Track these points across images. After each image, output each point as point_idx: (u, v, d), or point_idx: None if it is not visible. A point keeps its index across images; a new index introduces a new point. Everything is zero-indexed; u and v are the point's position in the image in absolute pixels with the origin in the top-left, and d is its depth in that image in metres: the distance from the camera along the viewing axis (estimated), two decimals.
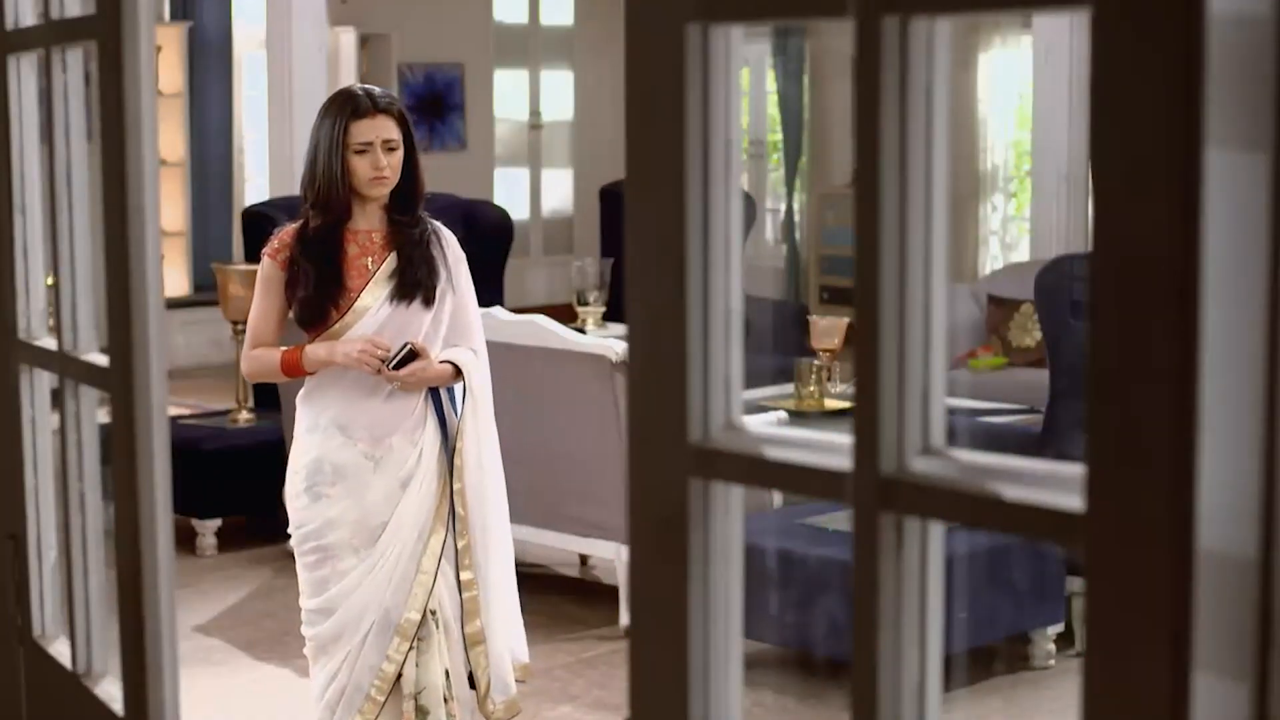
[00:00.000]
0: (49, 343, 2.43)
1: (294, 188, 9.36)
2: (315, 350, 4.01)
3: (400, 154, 4.04)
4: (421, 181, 4.13)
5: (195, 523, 7.14)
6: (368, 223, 4.08)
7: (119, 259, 2.02)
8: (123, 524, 2.07)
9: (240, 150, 12.71)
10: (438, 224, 4.17)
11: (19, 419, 2.51)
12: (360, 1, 12.81)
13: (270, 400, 7.52)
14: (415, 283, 4.05)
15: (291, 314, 4.09)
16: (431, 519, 4.04)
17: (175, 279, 11.92)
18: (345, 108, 4.04)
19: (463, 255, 4.18)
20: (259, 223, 7.93)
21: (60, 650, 2.47)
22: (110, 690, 2.28)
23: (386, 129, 4.01)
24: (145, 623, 2.04)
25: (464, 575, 4.07)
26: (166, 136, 11.60)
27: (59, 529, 2.48)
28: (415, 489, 4.03)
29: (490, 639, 4.11)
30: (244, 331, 7.44)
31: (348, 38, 12.68)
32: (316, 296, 4.03)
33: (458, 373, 4.07)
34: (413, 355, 3.97)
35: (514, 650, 4.22)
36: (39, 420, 2.52)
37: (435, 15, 13.47)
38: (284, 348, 4.07)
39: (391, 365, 3.95)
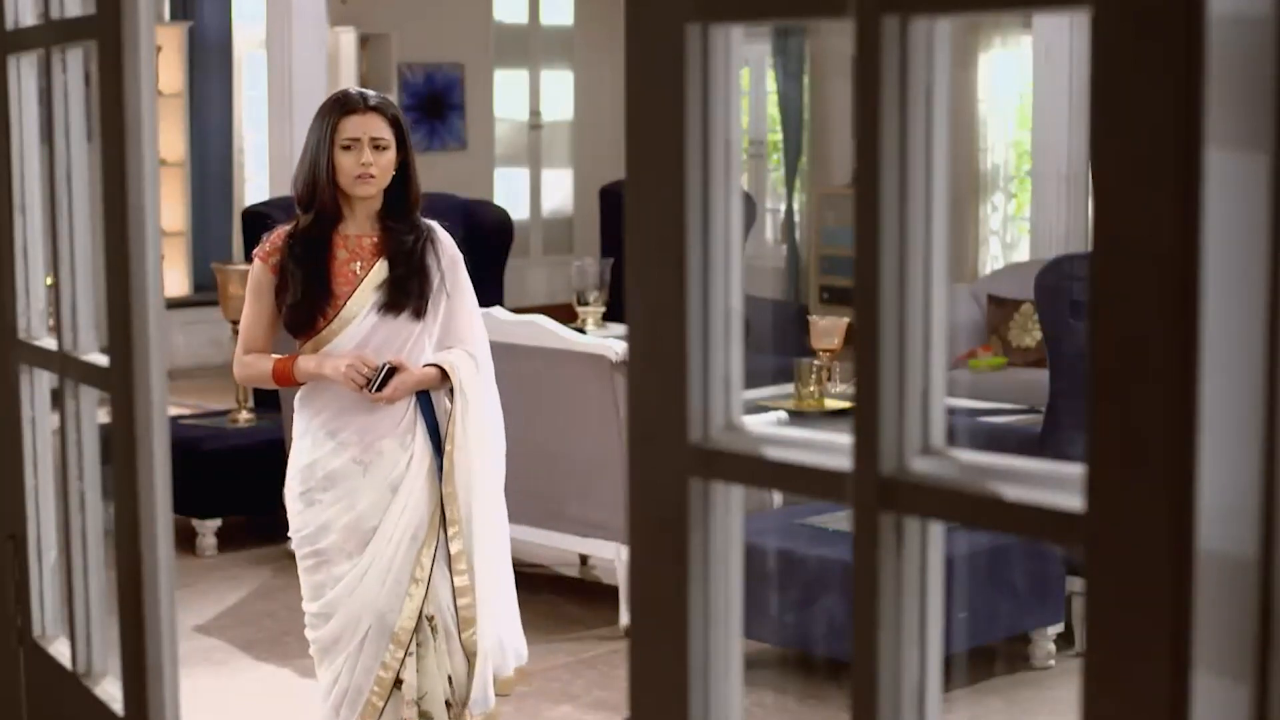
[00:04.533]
0: (49, 343, 2.43)
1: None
2: (305, 363, 3.98)
3: (390, 155, 3.99)
4: (416, 187, 4.07)
5: (195, 523, 7.14)
6: (358, 227, 4.03)
7: (119, 259, 2.02)
8: (123, 524, 2.07)
9: (240, 150, 12.71)
10: (433, 224, 4.11)
11: (19, 419, 2.51)
12: (360, 1, 12.81)
13: (270, 400, 7.52)
14: (404, 295, 4.00)
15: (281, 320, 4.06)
16: (425, 525, 4.00)
17: (175, 279, 11.92)
18: (337, 105, 4.02)
19: (459, 256, 4.11)
20: (259, 223, 7.92)
21: (60, 650, 2.47)
22: (110, 690, 2.28)
23: (375, 127, 3.97)
24: (145, 623, 2.04)
25: (458, 581, 4.02)
26: (166, 136, 11.60)
27: (59, 529, 2.48)
28: (404, 494, 4.00)
29: (479, 649, 4.06)
30: None
31: (348, 38, 12.68)
32: (304, 303, 3.98)
33: (446, 375, 4.02)
34: (393, 372, 3.94)
35: (516, 651, 4.18)
36: (39, 420, 2.52)
37: (435, 15, 13.47)
38: (276, 356, 4.04)
39: (374, 386, 3.92)
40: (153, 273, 1.99)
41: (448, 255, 4.08)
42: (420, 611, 3.98)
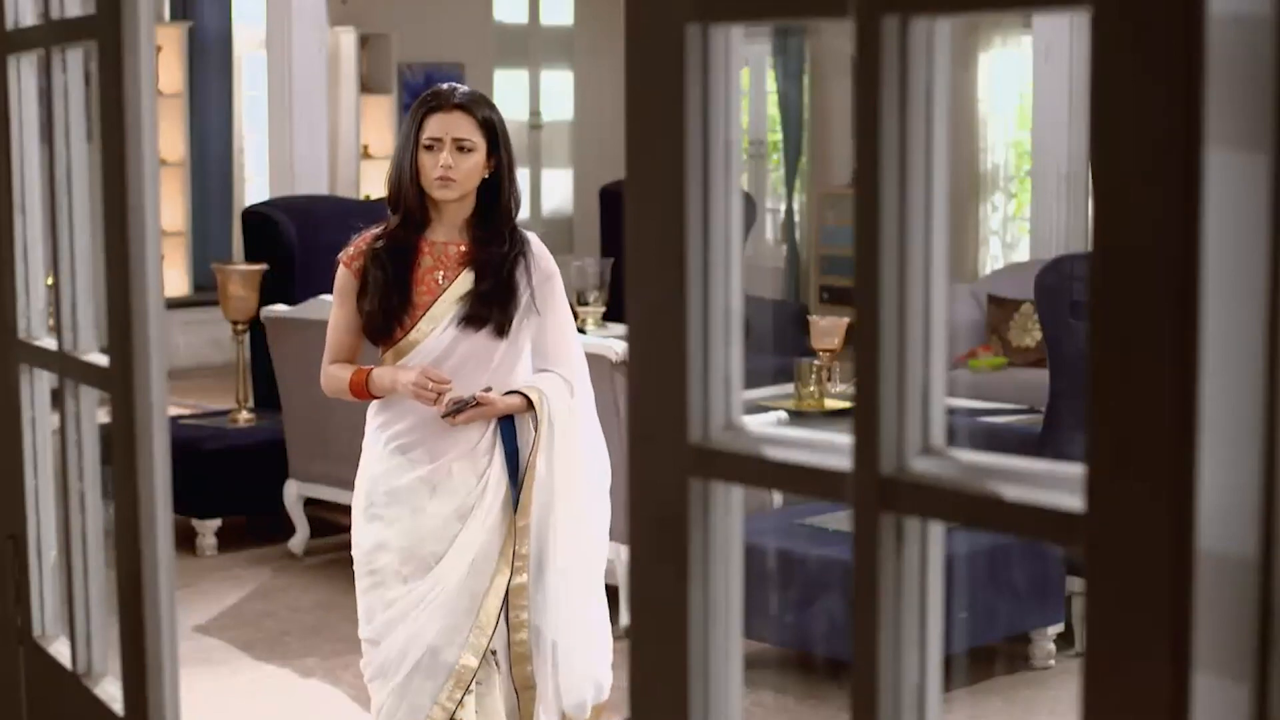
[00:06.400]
0: (49, 343, 2.43)
1: (294, 188, 9.43)
2: (381, 376, 3.76)
3: (476, 158, 3.76)
4: (509, 197, 3.82)
5: (195, 523, 7.14)
6: (446, 233, 3.80)
7: (119, 259, 2.02)
8: (123, 524, 2.07)
9: (240, 150, 12.72)
10: (529, 236, 3.86)
11: (19, 419, 2.51)
12: (360, 1, 12.81)
13: (270, 400, 7.52)
14: (487, 309, 3.76)
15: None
16: (496, 557, 3.75)
17: (175, 279, 11.93)
18: (424, 102, 3.84)
19: (554, 271, 3.85)
20: (259, 223, 7.93)
21: (60, 650, 2.47)
22: (110, 690, 2.28)
23: (459, 126, 3.77)
24: (145, 623, 2.04)
25: (514, 616, 3.77)
26: (166, 136, 11.60)
27: (59, 529, 2.48)
28: (476, 523, 3.75)
29: (541, 682, 3.81)
30: (244, 330, 7.48)
31: (348, 38, 12.68)
32: (381, 309, 3.76)
33: (532, 404, 3.78)
34: (475, 405, 3.72)
35: (596, 683, 3.91)
36: (39, 420, 2.52)
37: (435, 15, 13.47)
38: (356, 367, 3.82)
39: (450, 411, 3.70)
40: (153, 273, 1.99)
41: (541, 270, 3.82)
42: (485, 649, 3.74)
